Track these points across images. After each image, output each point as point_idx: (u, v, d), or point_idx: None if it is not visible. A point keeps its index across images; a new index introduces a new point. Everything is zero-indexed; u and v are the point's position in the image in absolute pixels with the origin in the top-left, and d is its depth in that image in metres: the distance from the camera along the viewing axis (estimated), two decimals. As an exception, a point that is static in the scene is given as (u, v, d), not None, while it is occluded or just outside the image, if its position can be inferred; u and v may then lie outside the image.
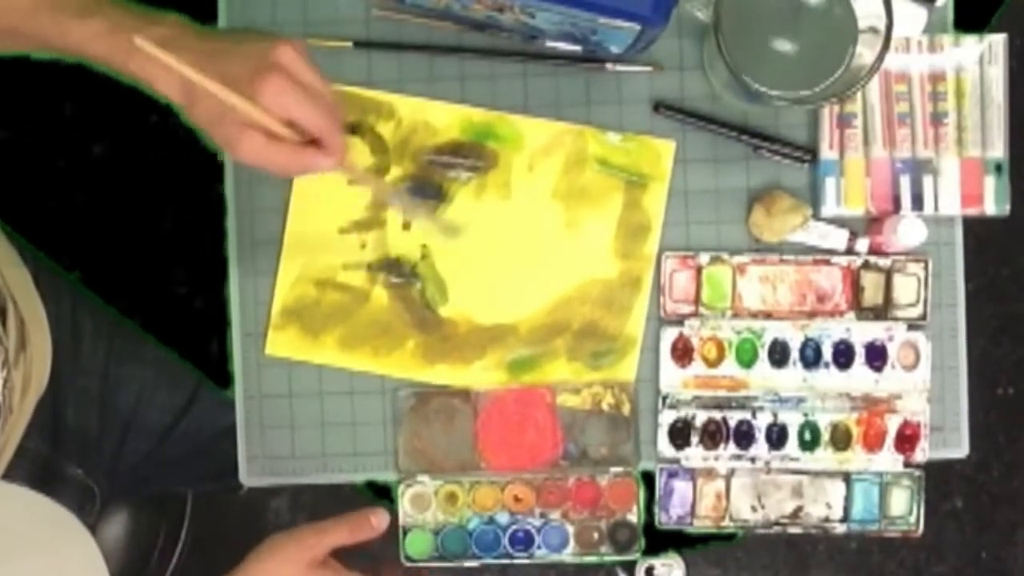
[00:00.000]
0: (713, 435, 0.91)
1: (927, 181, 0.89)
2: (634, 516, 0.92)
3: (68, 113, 0.93)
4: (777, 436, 0.90)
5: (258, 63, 0.70)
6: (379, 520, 0.88)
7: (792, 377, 0.90)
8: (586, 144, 0.90)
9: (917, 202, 0.89)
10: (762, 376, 0.90)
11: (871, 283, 0.90)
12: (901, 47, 0.88)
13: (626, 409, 0.91)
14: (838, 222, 0.90)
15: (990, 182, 0.89)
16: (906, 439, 0.90)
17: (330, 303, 0.91)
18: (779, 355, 0.90)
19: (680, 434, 0.90)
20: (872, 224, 0.90)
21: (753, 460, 0.91)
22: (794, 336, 0.90)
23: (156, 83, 0.72)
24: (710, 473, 0.91)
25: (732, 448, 0.91)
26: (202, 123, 0.72)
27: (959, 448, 0.92)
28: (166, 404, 1.01)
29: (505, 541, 0.92)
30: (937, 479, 0.94)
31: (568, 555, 0.93)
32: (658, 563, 0.93)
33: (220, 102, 0.69)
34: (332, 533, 0.86)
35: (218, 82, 0.68)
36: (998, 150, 0.89)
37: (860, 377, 0.90)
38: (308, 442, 0.91)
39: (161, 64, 0.69)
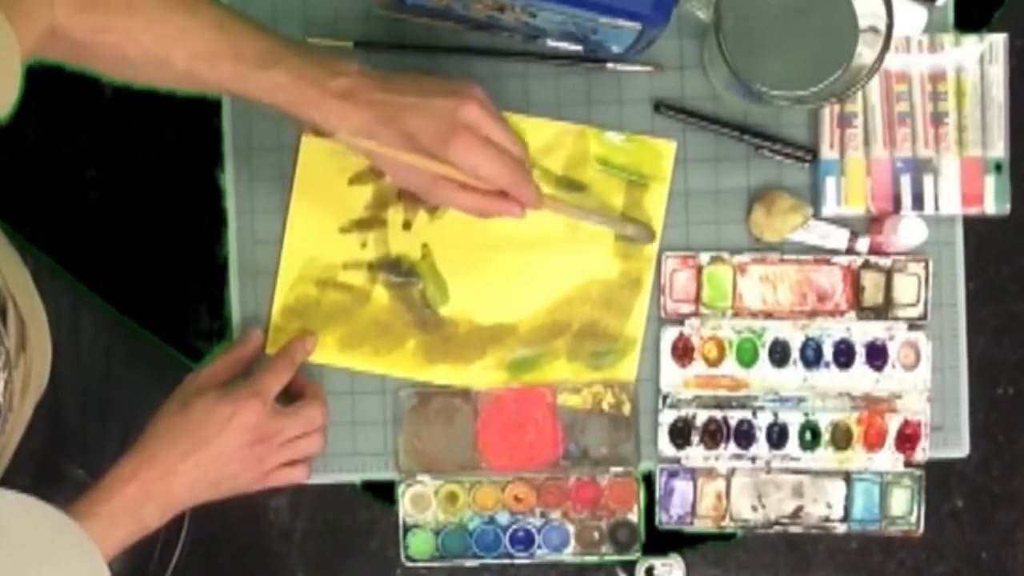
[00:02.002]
0: (713, 435, 0.91)
1: (927, 181, 0.89)
2: (634, 516, 0.92)
3: (69, 113, 0.93)
4: (777, 436, 0.90)
5: (447, 122, 0.74)
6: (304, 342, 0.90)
7: (792, 377, 0.90)
8: (587, 144, 0.90)
9: (917, 202, 0.89)
10: (762, 376, 0.90)
11: (871, 283, 0.90)
12: (901, 47, 0.88)
13: (626, 409, 0.91)
14: (839, 222, 0.90)
15: (990, 182, 0.89)
16: (906, 439, 0.90)
17: (330, 303, 0.91)
18: (779, 355, 0.90)
19: (680, 434, 0.90)
20: (872, 224, 0.90)
21: (753, 460, 0.91)
22: (794, 336, 0.90)
23: (358, 147, 0.75)
24: (710, 473, 0.91)
25: (732, 448, 0.91)
26: (392, 174, 0.77)
27: (959, 448, 0.92)
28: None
29: (505, 541, 0.92)
30: (937, 479, 0.94)
31: (568, 555, 0.93)
32: (658, 563, 0.93)
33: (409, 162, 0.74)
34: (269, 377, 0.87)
35: (406, 139, 0.72)
36: (998, 150, 0.89)
37: (860, 377, 0.90)
38: (308, 442, 0.91)
39: (343, 118, 0.73)
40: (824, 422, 0.90)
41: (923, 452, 0.90)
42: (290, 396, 0.88)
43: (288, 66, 0.74)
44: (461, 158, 0.74)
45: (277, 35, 0.76)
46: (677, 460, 0.91)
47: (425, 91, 0.75)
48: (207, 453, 0.82)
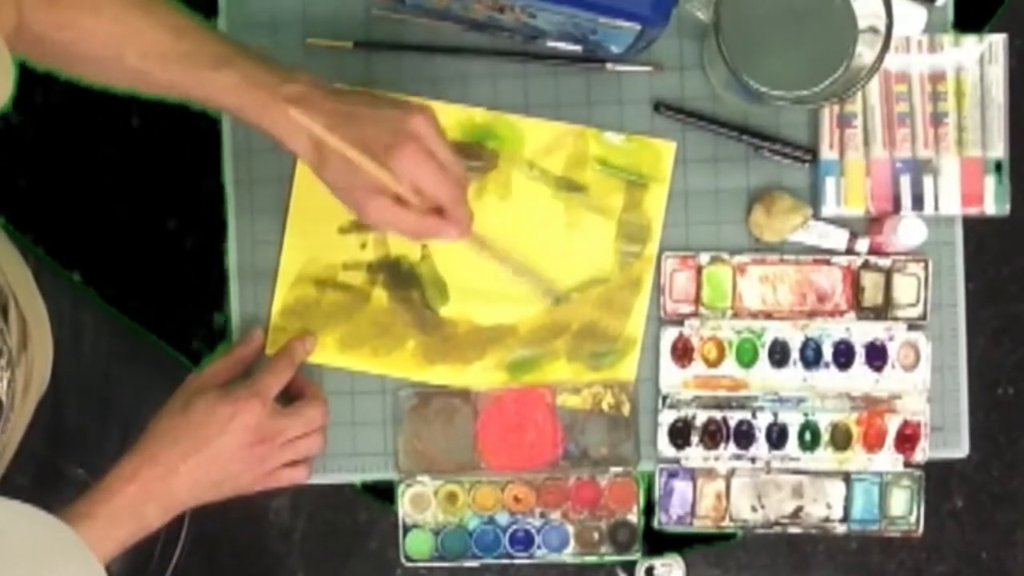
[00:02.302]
0: (713, 435, 0.91)
1: (927, 181, 0.89)
2: (634, 516, 0.92)
3: (70, 112, 0.93)
4: (777, 436, 0.90)
5: (394, 131, 0.73)
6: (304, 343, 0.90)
7: (792, 377, 0.90)
8: (587, 144, 0.90)
9: (917, 202, 0.89)
10: (762, 376, 0.90)
11: (871, 283, 0.90)
12: (901, 47, 0.88)
13: (626, 409, 0.91)
14: (838, 222, 0.90)
15: (990, 182, 0.89)
16: (906, 439, 0.90)
17: (330, 303, 0.91)
18: (779, 355, 0.90)
19: (680, 434, 0.90)
20: (872, 224, 0.90)
21: (753, 460, 0.91)
22: (794, 336, 0.90)
23: (288, 140, 0.75)
24: (710, 473, 0.91)
25: (732, 448, 0.91)
26: (330, 182, 0.75)
27: (959, 448, 0.92)
28: (166, 404, 1.01)
29: (505, 541, 0.92)
30: (937, 479, 0.94)
31: (568, 555, 0.93)
32: (658, 563, 0.93)
33: (351, 166, 0.72)
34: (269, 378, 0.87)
35: (352, 145, 0.71)
36: (998, 150, 0.89)
37: (860, 377, 0.90)
38: (308, 442, 0.91)
39: (296, 124, 0.72)
40: (824, 422, 0.90)
41: (923, 452, 0.90)
42: (290, 396, 0.88)
43: (239, 69, 0.74)
44: (405, 167, 0.73)
45: (231, 40, 0.77)
46: (677, 460, 0.91)
47: (374, 103, 0.76)
48: (208, 453, 0.82)
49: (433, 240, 0.77)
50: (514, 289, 0.91)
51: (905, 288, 0.90)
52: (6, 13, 0.71)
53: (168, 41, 0.74)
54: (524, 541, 0.92)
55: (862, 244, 0.90)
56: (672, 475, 0.91)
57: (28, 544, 0.58)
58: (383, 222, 0.75)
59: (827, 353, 0.90)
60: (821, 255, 0.90)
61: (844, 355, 0.90)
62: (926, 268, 0.90)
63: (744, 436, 0.91)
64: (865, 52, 0.80)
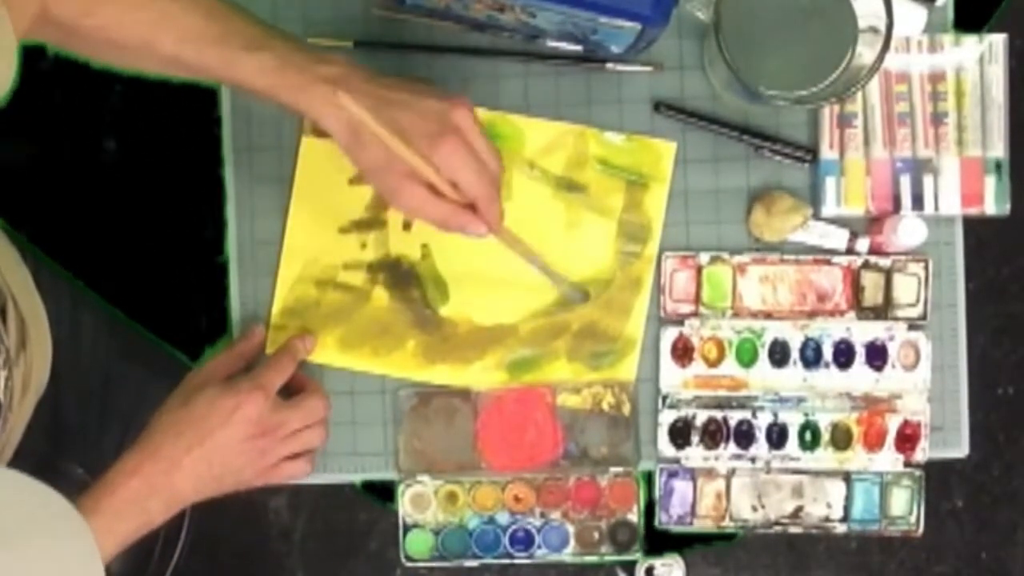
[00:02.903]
0: (713, 435, 0.91)
1: (927, 181, 0.89)
2: (634, 516, 0.92)
3: (70, 113, 0.93)
4: (777, 436, 0.90)
5: (437, 123, 0.73)
6: (305, 342, 0.90)
7: (792, 377, 0.90)
8: (587, 144, 0.90)
9: (917, 202, 0.89)
10: (762, 376, 0.90)
11: (871, 283, 0.90)
12: (901, 47, 0.88)
13: (626, 409, 0.91)
14: (838, 222, 0.90)
15: (990, 182, 0.89)
16: (906, 439, 0.90)
17: (330, 303, 0.91)
18: (779, 355, 0.90)
19: (680, 434, 0.90)
20: (872, 224, 0.90)
21: (753, 460, 0.91)
22: (794, 336, 0.90)
23: (324, 121, 0.74)
24: (710, 473, 0.91)
25: (732, 448, 0.91)
26: (364, 166, 0.75)
27: (959, 448, 0.92)
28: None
29: (505, 541, 0.92)
30: (937, 479, 0.94)
31: (568, 555, 0.93)
32: (658, 563, 0.93)
33: (388, 151, 0.72)
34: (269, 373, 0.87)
35: (392, 132, 0.70)
36: (998, 150, 0.89)
37: (860, 377, 0.90)
38: (308, 442, 0.91)
39: (335, 104, 0.71)
40: (824, 422, 0.90)
41: (923, 452, 0.90)
42: (290, 393, 0.88)
43: (275, 51, 0.73)
44: (445, 159, 0.73)
45: (263, 22, 0.76)
46: (677, 460, 0.91)
47: (416, 90, 0.75)
48: (210, 446, 0.82)
49: (461, 233, 0.76)
50: (514, 289, 0.91)
51: (905, 288, 0.90)
52: (31, 1, 0.70)
53: (201, 24, 0.73)
54: (524, 541, 0.92)
55: (862, 244, 0.90)
56: (672, 475, 0.91)
57: (20, 512, 0.58)
58: (415, 210, 0.75)
59: (827, 353, 0.90)
60: (821, 255, 0.90)
61: (844, 355, 0.90)
62: (926, 268, 0.90)
63: (744, 436, 0.91)
64: (865, 52, 0.80)
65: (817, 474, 0.91)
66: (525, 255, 0.86)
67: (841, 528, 0.92)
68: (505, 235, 0.81)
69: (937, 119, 0.89)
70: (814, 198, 0.90)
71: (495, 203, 0.76)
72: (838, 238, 0.90)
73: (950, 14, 0.90)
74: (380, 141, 0.71)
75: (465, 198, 0.75)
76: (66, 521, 0.61)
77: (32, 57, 0.94)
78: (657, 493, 0.91)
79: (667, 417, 0.90)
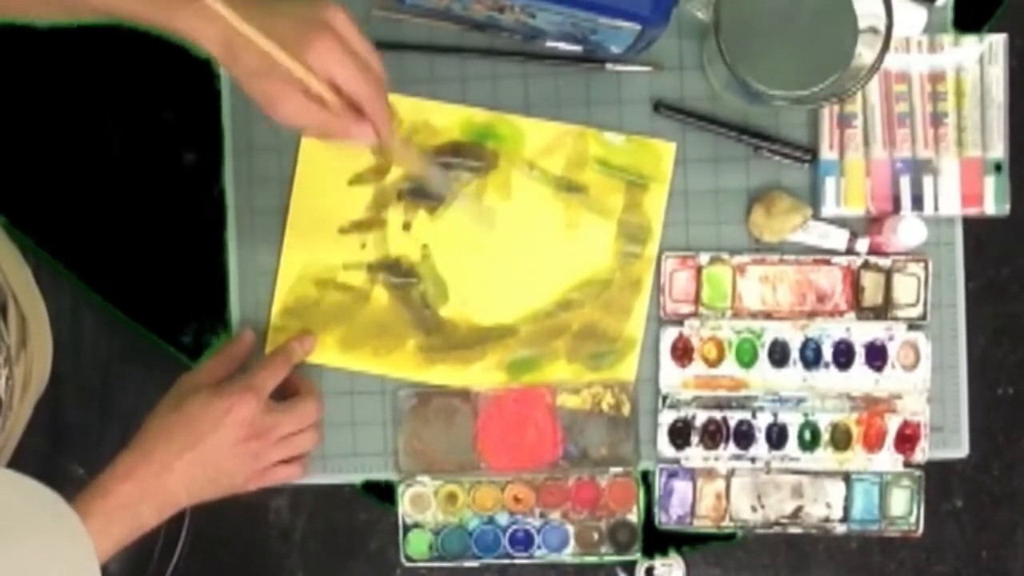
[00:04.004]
0: (713, 435, 0.91)
1: (927, 181, 0.89)
2: (634, 516, 0.92)
3: (71, 112, 0.93)
4: (777, 436, 0.90)
5: (309, 22, 0.69)
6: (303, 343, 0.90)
7: (792, 377, 0.90)
8: (587, 145, 0.90)
9: (917, 202, 0.89)
10: (762, 376, 0.90)
11: (871, 283, 0.90)
12: (901, 47, 0.88)
13: (626, 409, 0.91)
14: (838, 222, 0.90)
15: (990, 182, 0.89)
16: (906, 439, 0.90)
17: (330, 303, 0.91)
18: (779, 355, 0.90)
19: (680, 434, 0.90)
20: (872, 224, 0.90)
21: (753, 460, 0.91)
22: (794, 336, 0.90)
23: (198, 37, 0.71)
24: (710, 473, 0.91)
25: (732, 448, 0.91)
26: (242, 79, 0.71)
27: (959, 448, 0.92)
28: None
29: (505, 541, 0.92)
30: (937, 479, 0.94)
31: (568, 555, 0.93)
32: (658, 563, 0.93)
33: (263, 59, 0.68)
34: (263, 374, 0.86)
35: (266, 37, 0.67)
36: (998, 150, 0.89)
37: (860, 377, 0.90)
38: (308, 442, 0.91)
39: (206, 19, 0.68)
40: (824, 422, 0.90)
41: (923, 452, 0.90)
42: (284, 396, 0.88)
43: None
44: (321, 59, 0.69)
45: None
46: (677, 460, 0.91)
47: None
48: (203, 449, 0.82)
49: (348, 142, 0.72)
50: (514, 290, 0.91)
51: (905, 288, 0.90)
52: None
53: None
54: (524, 541, 0.92)
55: (862, 244, 0.90)
56: (672, 475, 0.91)
57: (13, 509, 0.58)
58: (295, 119, 0.71)
59: (827, 353, 0.90)
60: (821, 255, 0.90)
61: (844, 355, 0.90)
62: (926, 268, 0.90)
63: (744, 436, 0.91)
64: (865, 52, 0.80)
65: (817, 474, 0.91)
66: (421, 169, 0.82)
67: (841, 528, 0.92)
68: (396, 144, 0.78)
69: (937, 119, 0.89)
70: (814, 198, 0.90)
71: (382, 105, 0.72)
72: (838, 238, 0.90)
73: (950, 14, 0.90)
74: (255, 48, 0.68)
75: (348, 102, 0.71)
76: (61, 520, 0.61)
77: (33, 58, 0.94)
78: (657, 493, 0.91)
79: (667, 417, 0.90)
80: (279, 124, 0.71)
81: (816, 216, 0.90)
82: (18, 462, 0.86)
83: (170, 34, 0.71)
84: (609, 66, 0.90)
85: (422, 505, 0.92)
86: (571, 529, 0.92)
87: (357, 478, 0.92)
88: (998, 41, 0.89)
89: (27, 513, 0.59)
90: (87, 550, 0.61)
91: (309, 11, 0.70)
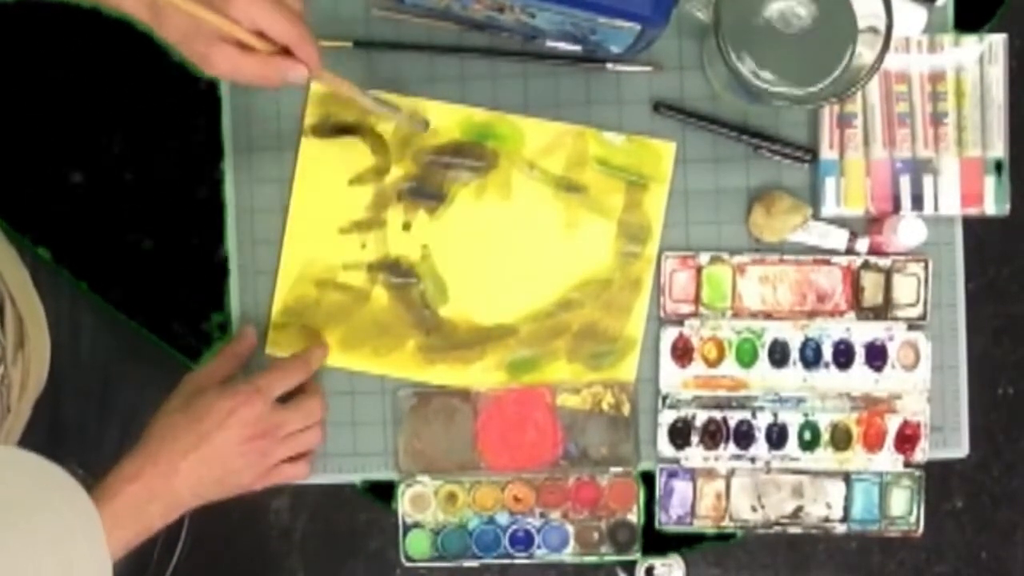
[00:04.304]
0: (713, 435, 0.91)
1: (927, 181, 0.89)
2: (634, 516, 0.92)
3: (70, 112, 0.93)
4: (777, 436, 0.90)
5: None
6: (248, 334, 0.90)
7: (792, 377, 0.90)
8: (587, 144, 0.90)
9: (917, 202, 0.89)
10: (762, 376, 0.90)
11: (871, 283, 0.90)
12: (901, 47, 0.88)
13: (626, 409, 0.91)
14: (838, 222, 0.90)
15: (990, 182, 0.89)
16: (906, 439, 0.90)
17: (330, 303, 0.91)
18: (779, 355, 0.90)
19: (680, 434, 0.90)
20: (872, 224, 0.90)
21: (753, 460, 0.91)
22: (794, 336, 0.90)
23: (123, 5, 0.73)
24: (710, 473, 0.91)
25: (732, 448, 0.91)
26: (173, 40, 0.73)
27: (959, 448, 0.92)
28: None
29: (505, 541, 0.92)
30: (937, 479, 0.94)
31: (568, 555, 0.93)
32: (658, 563, 0.93)
33: (189, 18, 0.70)
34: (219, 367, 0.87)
35: None
36: (998, 150, 0.89)
37: (860, 377, 0.90)
38: (308, 442, 0.91)
39: None
40: (824, 422, 0.90)
41: (923, 452, 0.90)
42: (288, 394, 0.88)
43: None
44: (244, 10, 0.71)
45: None
46: (677, 460, 0.91)
47: None
48: (209, 449, 0.82)
49: (285, 82, 0.74)
50: (514, 289, 0.91)
51: (905, 288, 0.90)
52: None
53: None
54: (524, 541, 0.92)
55: (862, 244, 0.90)
56: (672, 475, 0.91)
57: (23, 487, 0.58)
58: (231, 71, 0.73)
59: (827, 353, 0.90)
60: (821, 255, 0.90)
61: (844, 355, 0.90)
62: (926, 268, 0.90)
63: (744, 436, 0.91)
64: (865, 52, 0.80)
65: (817, 474, 0.91)
66: (352, 94, 0.83)
67: (841, 528, 0.92)
68: (326, 76, 0.80)
69: (937, 119, 0.89)
70: (814, 198, 0.90)
71: (307, 42, 0.74)
72: (838, 238, 0.90)
73: (950, 14, 0.90)
74: (180, 10, 0.70)
75: (276, 46, 0.74)
76: (72, 498, 0.60)
77: (32, 57, 0.94)
78: (657, 493, 0.91)
79: (667, 417, 0.90)
80: (219, 77, 0.74)
81: (816, 216, 0.90)
82: (18, 462, 0.86)
83: (98, 4, 0.73)
84: (609, 66, 0.90)
85: (422, 505, 0.92)
86: (571, 529, 0.92)
87: (357, 478, 0.92)
88: (998, 41, 0.89)
89: (33, 489, 0.59)
90: (96, 527, 0.61)
91: None
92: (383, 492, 0.93)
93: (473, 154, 0.90)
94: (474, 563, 0.93)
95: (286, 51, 0.74)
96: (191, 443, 0.81)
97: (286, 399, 0.87)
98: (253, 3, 0.71)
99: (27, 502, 0.57)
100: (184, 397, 0.84)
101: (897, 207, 0.89)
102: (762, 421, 0.90)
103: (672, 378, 0.90)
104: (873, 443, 0.90)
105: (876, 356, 0.90)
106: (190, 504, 0.83)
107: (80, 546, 0.59)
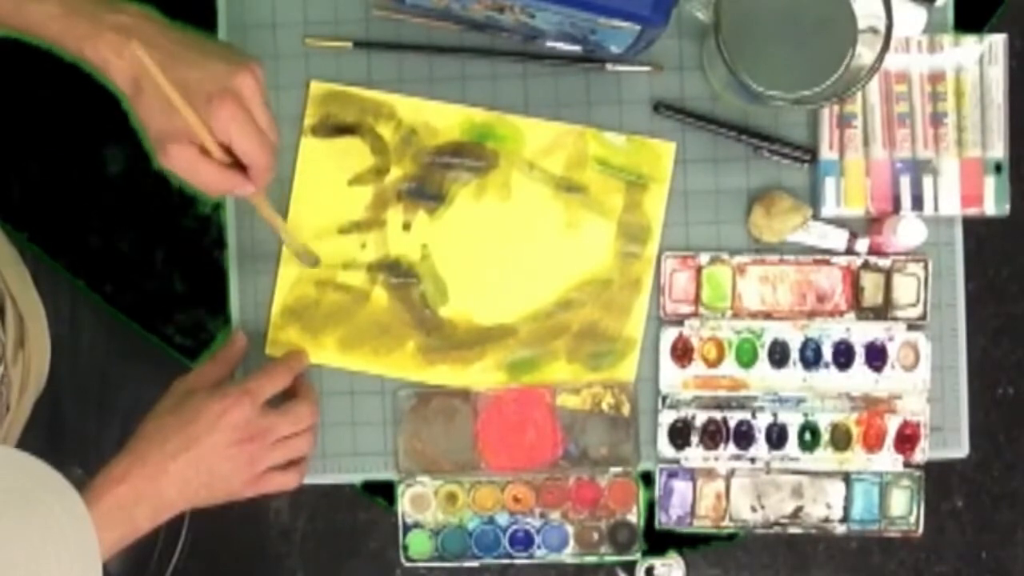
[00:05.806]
0: (713, 435, 0.91)
1: (927, 181, 0.89)
2: (634, 516, 0.92)
3: (71, 113, 0.93)
4: (777, 436, 0.90)
5: (220, 84, 0.71)
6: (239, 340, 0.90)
7: (792, 377, 0.90)
8: (586, 145, 0.90)
9: (917, 202, 0.89)
10: (762, 376, 0.90)
11: (871, 283, 0.90)
12: (901, 47, 0.88)
13: (626, 409, 0.91)
14: (838, 222, 0.90)
15: (990, 182, 0.89)
16: (906, 439, 0.90)
17: (330, 303, 0.91)
18: (779, 355, 0.90)
19: (680, 434, 0.90)
20: (872, 224, 0.90)
21: (753, 460, 0.91)
22: (794, 336, 0.90)
23: (108, 69, 0.73)
24: (710, 473, 0.91)
25: (732, 448, 0.91)
26: (142, 118, 0.73)
27: (959, 448, 0.92)
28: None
29: (505, 541, 0.92)
30: (937, 479, 0.94)
31: (568, 555, 0.93)
32: (658, 563, 0.93)
33: (168, 108, 0.70)
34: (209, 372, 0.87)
35: (174, 86, 0.69)
36: (998, 150, 0.89)
37: (860, 377, 0.90)
38: (308, 442, 0.91)
39: (116, 52, 0.70)
40: (823, 423, 0.90)
41: (923, 452, 0.90)
42: (282, 398, 0.88)
43: None
44: (223, 123, 0.71)
45: None
46: (676, 461, 0.91)
47: (206, 50, 0.74)
48: (197, 451, 0.81)
49: (228, 195, 0.76)
50: (514, 290, 0.91)
51: (905, 288, 0.90)
52: None
53: None
54: (524, 541, 0.92)
55: (862, 244, 0.90)
56: (672, 475, 0.91)
57: (12, 485, 0.58)
58: (184, 170, 0.73)
59: (827, 353, 0.90)
60: (821, 255, 0.90)
61: (844, 355, 0.90)
62: (926, 268, 0.90)
63: (744, 436, 0.91)
64: (865, 52, 0.80)
65: (817, 474, 0.91)
66: (269, 217, 0.83)
67: (841, 528, 0.92)
68: (262, 200, 0.80)
69: (937, 119, 0.89)
70: (814, 199, 0.90)
71: (267, 170, 0.75)
72: (838, 238, 0.90)
73: (950, 14, 0.90)
74: (161, 95, 0.70)
75: (233, 159, 0.74)
76: (62, 497, 0.60)
77: (32, 60, 0.94)
78: (657, 493, 0.91)
79: (667, 417, 0.90)
80: (170, 170, 0.73)
81: (816, 216, 0.90)
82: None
83: (77, 60, 0.73)
84: (609, 66, 0.90)
85: (422, 505, 0.92)
86: (571, 529, 0.92)
87: (357, 478, 0.92)
88: (998, 41, 0.89)
89: (21, 487, 0.59)
90: (87, 527, 0.61)
91: (224, 70, 0.72)
92: (383, 492, 0.93)
93: (473, 154, 0.90)
94: (474, 563, 0.93)
95: (239, 165, 0.74)
96: (180, 445, 0.81)
97: (281, 401, 0.87)
98: (234, 120, 0.72)
99: (18, 501, 0.57)
100: (173, 400, 0.84)
101: (897, 207, 0.89)
102: (762, 421, 0.90)
103: (672, 378, 0.90)
104: (873, 443, 0.90)
105: (876, 356, 0.90)
106: (178, 507, 0.82)
107: (71, 547, 0.59)
